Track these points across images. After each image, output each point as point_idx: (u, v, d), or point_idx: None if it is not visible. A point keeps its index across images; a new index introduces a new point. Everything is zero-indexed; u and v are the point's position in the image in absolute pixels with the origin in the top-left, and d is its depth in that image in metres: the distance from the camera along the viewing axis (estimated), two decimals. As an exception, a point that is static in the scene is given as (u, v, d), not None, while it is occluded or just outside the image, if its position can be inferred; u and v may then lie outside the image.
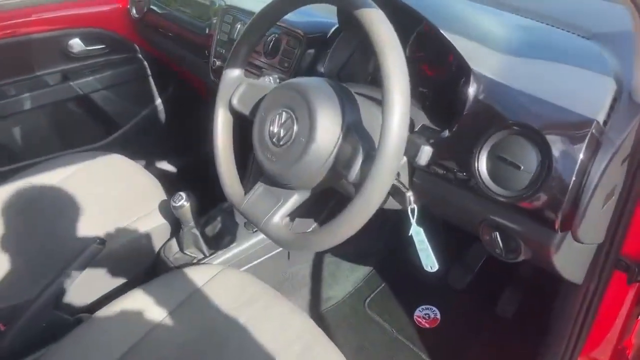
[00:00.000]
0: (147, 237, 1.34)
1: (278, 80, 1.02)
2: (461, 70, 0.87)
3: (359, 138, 0.78)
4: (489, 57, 0.88)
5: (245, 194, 0.93)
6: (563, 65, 0.87)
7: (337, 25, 1.09)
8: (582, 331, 0.98)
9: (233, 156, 1.00)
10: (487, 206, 0.85)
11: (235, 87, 0.98)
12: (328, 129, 0.79)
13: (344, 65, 1.11)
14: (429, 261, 0.88)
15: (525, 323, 1.41)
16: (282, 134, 0.84)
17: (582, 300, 0.96)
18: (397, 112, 0.69)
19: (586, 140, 0.72)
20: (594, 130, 0.73)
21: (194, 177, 2.01)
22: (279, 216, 0.86)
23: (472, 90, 0.83)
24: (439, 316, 1.57)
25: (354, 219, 0.73)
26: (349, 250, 1.69)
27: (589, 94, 0.81)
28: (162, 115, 2.07)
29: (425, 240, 0.88)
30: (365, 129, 0.82)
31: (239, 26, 1.30)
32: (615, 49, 0.91)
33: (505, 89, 0.83)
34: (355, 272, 1.70)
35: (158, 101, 2.04)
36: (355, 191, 0.74)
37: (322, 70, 1.10)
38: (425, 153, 0.76)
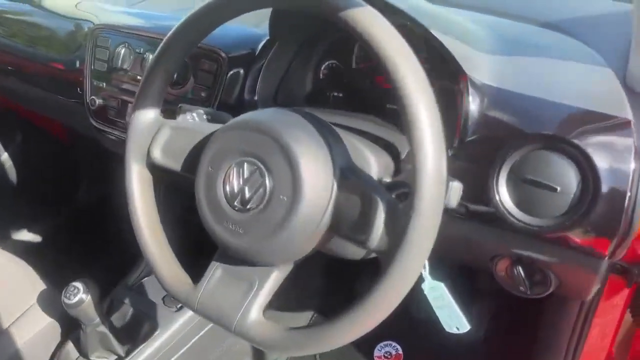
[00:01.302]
0: (27, 349, 0.97)
1: (205, 117, 0.76)
2: (452, 79, 0.70)
3: (361, 185, 0.56)
4: (478, 59, 0.72)
5: (195, 282, 0.65)
6: (557, 62, 0.75)
7: (267, 37, 0.85)
8: (580, 342, 0.92)
9: (162, 229, 0.71)
10: (507, 238, 0.70)
11: (152, 133, 0.69)
12: (317, 178, 0.56)
13: (280, 86, 0.88)
14: (454, 321, 0.69)
15: (502, 342, 1.30)
16: (247, 194, 0.58)
17: (578, 311, 0.89)
18: (431, 150, 0.49)
19: (633, 145, 0.60)
20: (635, 131, 0.60)
21: (69, 242, 1.60)
22: (257, 308, 0.60)
23: (473, 103, 0.67)
24: (401, 351, 1.41)
25: (390, 297, 0.52)
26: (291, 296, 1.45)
27: (602, 89, 0.69)
28: (12, 174, 1.62)
29: (446, 294, 0.70)
30: (363, 171, 0.60)
31: (122, 50, 0.99)
32: (580, 36, 0.82)
33: (514, 96, 0.68)
34: (299, 320, 1.46)
35: (4, 156, 1.59)
36: (384, 260, 0.52)
37: (254, 96, 0.86)
38: (456, 192, 0.57)
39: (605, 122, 0.63)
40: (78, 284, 0.91)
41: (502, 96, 0.68)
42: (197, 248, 0.78)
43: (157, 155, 0.69)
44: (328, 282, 1.43)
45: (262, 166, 0.58)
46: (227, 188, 0.60)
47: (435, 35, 0.68)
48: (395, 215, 0.52)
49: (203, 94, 0.88)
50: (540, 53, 0.77)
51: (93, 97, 1.03)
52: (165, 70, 0.68)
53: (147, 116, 0.70)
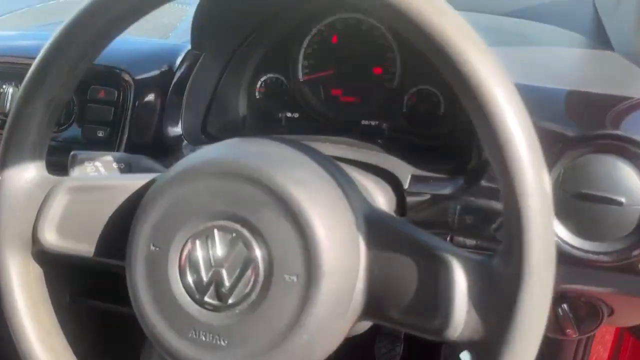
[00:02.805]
0: None
1: (117, 166, 0.51)
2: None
3: (407, 238, 0.37)
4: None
5: None
6: (560, 50, 0.63)
7: (188, 49, 0.62)
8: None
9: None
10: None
11: (37, 203, 0.43)
12: (338, 238, 0.36)
13: (208, 112, 0.66)
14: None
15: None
16: (227, 281, 0.36)
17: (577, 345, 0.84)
18: (539, 202, 0.31)
19: None
20: None
21: None
22: None
23: None
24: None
25: None
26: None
27: (621, 73, 0.58)
28: None
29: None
30: (394, 217, 0.41)
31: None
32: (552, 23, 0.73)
33: (541, 92, 0.53)
34: None
35: None
36: (480, 355, 0.33)
37: (175, 128, 0.62)
38: None
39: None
40: None
41: (533, 94, 0.54)
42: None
43: (50, 237, 0.42)
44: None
45: (245, 232, 0.36)
46: (190, 275, 0.37)
47: None
48: (489, 285, 0.33)
49: (100, 134, 0.62)
50: (530, 43, 0.65)
51: None
52: (45, 105, 0.42)
53: (24, 177, 0.43)
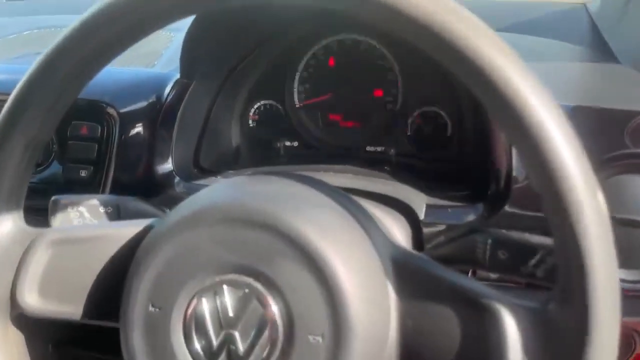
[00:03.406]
0: None
1: (104, 210, 0.46)
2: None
3: (440, 281, 0.32)
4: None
5: None
6: (565, 64, 0.61)
7: (176, 77, 0.58)
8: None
9: None
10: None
11: (14, 261, 0.38)
12: (366, 287, 0.31)
13: (200, 145, 0.61)
14: None
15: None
16: (241, 344, 0.31)
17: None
18: (604, 248, 0.27)
19: None
20: None
21: None
22: None
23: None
24: None
25: None
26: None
27: (636, 87, 0.55)
28: None
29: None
30: (423, 257, 0.37)
31: None
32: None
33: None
34: None
35: None
36: None
37: (166, 164, 0.58)
38: None
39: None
40: None
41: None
42: None
43: (31, 299, 0.37)
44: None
45: (260, 287, 0.31)
46: (197, 340, 0.32)
47: None
48: (546, 338, 0.29)
49: (83, 174, 0.57)
50: (532, 58, 0.62)
51: None
52: (22, 147, 0.37)
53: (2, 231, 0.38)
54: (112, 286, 0.35)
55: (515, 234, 0.40)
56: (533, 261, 0.40)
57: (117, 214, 0.47)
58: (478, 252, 0.42)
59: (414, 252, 0.36)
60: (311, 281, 0.30)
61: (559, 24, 0.78)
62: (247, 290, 0.31)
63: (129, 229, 0.38)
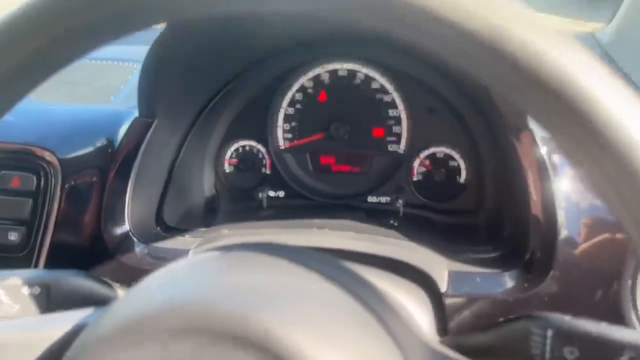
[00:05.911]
0: None
1: (28, 292, 0.35)
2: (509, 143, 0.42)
3: None
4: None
5: None
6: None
7: (134, 117, 0.47)
8: None
9: None
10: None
11: None
12: None
13: (164, 199, 0.50)
14: None
15: None
16: None
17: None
18: None
19: None
20: None
21: None
22: None
23: (559, 179, 0.39)
24: None
25: None
26: None
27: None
28: None
29: None
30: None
31: None
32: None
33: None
34: None
35: None
36: None
37: (121, 225, 0.46)
38: None
39: None
40: None
41: None
42: None
43: None
44: None
45: None
46: None
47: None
48: None
49: (12, 237, 0.46)
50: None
51: None
52: None
53: None
54: None
55: (589, 324, 0.30)
56: (622, 364, 0.29)
57: (46, 296, 0.35)
58: (532, 347, 0.31)
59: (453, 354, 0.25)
60: None
61: None
62: None
63: (52, 330, 0.26)
